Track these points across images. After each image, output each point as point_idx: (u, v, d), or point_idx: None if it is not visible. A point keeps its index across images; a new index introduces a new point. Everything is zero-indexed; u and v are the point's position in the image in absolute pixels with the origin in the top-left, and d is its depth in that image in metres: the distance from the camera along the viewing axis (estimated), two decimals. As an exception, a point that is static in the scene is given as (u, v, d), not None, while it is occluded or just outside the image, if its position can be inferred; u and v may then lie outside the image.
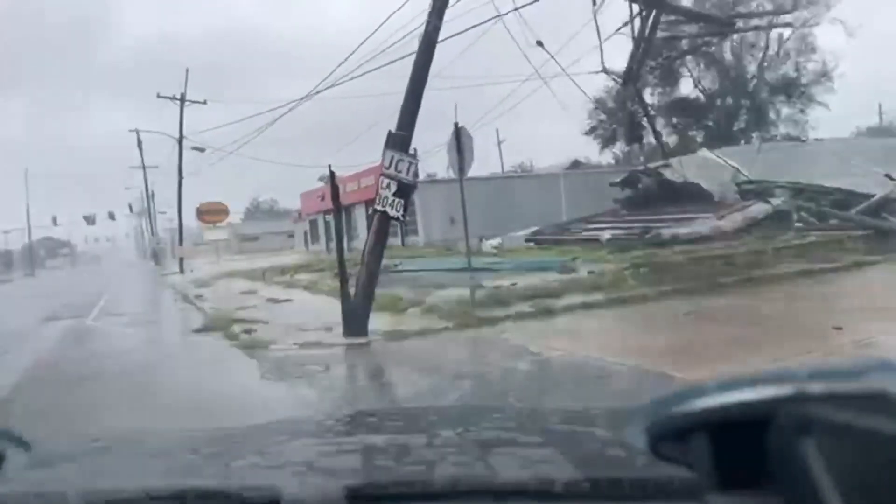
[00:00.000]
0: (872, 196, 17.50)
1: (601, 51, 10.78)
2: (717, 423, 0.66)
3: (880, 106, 36.32)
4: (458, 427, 1.29)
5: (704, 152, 20.92)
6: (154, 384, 6.70)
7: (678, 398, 0.70)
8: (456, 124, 9.23)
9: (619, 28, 10.57)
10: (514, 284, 10.31)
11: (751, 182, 18.93)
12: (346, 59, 13.94)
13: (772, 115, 28.45)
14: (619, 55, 11.78)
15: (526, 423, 1.40)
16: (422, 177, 27.78)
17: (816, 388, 0.58)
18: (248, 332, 9.06)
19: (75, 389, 6.63)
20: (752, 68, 28.61)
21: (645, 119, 18.15)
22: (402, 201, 8.55)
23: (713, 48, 28.97)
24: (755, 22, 14.52)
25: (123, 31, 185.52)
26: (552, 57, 10.92)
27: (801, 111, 27.83)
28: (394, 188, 8.53)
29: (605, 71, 11.13)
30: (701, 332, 7.26)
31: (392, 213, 8.53)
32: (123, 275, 35.75)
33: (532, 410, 2.11)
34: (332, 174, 8.79)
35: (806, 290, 9.74)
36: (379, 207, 8.52)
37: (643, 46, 10.63)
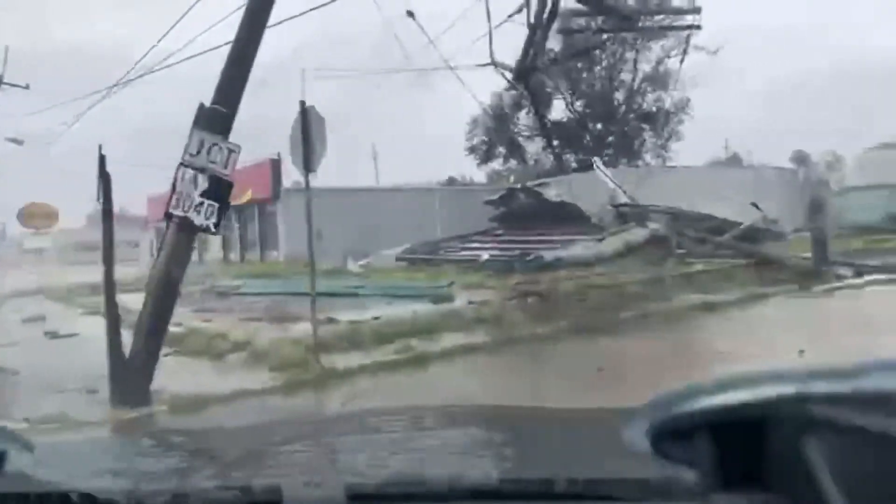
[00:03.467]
0: (741, 224, 17.09)
1: (490, 40, 8.63)
2: (717, 423, 0.64)
3: (727, 140, 38.09)
4: (458, 427, 1.27)
5: (596, 167, 19.68)
6: None
7: (678, 398, 0.68)
8: (302, 104, 6.54)
9: (512, 14, 8.49)
10: (376, 318, 7.73)
11: (628, 205, 17.82)
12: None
13: (640, 143, 28.36)
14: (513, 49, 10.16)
15: (526, 423, 1.34)
16: (287, 184, 24.84)
17: (816, 388, 0.56)
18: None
19: None
20: (619, 96, 28.41)
21: (540, 124, 16.42)
22: (216, 205, 5.72)
23: (585, 74, 28.55)
24: (657, 19, 13.36)
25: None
26: (430, 40, 8.55)
27: (667, 139, 27.89)
28: (203, 185, 5.69)
29: (494, 64, 9.04)
30: (626, 395, 5.10)
31: (199, 220, 5.66)
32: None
33: (532, 410, 1.86)
34: (101, 160, 5.66)
35: (717, 327, 8.08)
36: (177, 212, 5.62)
37: (538, 36, 8.64)
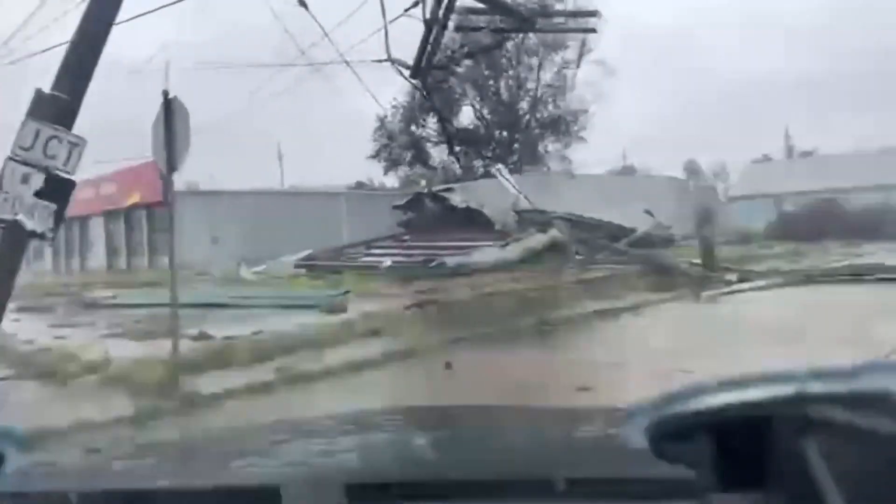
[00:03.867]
0: (636, 230, 17.62)
1: (385, 34, 8.19)
2: (717, 423, 0.64)
3: (624, 150, 39.79)
4: (457, 427, 1.26)
5: (497, 174, 19.67)
6: None
7: (678, 398, 0.67)
8: (165, 94, 5.79)
9: (409, 9, 8.09)
10: (257, 333, 7.05)
11: (530, 212, 17.94)
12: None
13: (543, 150, 28.90)
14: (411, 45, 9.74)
15: (526, 423, 1.34)
16: (181, 187, 23.24)
17: (816, 388, 0.56)
18: None
19: None
20: (524, 104, 28.86)
21: (441, 127, 16.11)
22: (53, 206, 4.90)
23: (491, 82, 28.77)
24: (557, 21, 13.40)
25: None
26: (325, 33, 7.99)
27: (566, 147, 28.59)
28: (37, 183, 4.86)
29: (390, 60, 8.59)
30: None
31: (32, 225, 4.82)
32: None
33: (532, 410, 1.85)
34: None
35: (614, 335, 8.03)
36: (4, 215, 4.75)
37: (434, 33, 8.30)
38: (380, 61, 8.67)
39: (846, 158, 30.43)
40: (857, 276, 11.58)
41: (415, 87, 8.85)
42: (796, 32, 55.16)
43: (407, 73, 9.04)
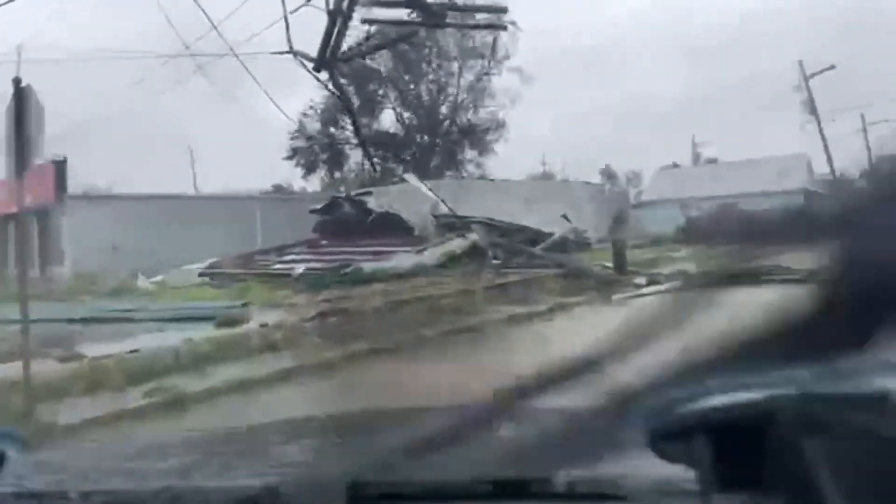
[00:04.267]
0: (553, 235, 17.78)
1: (286, 26, 7.66)
2: (717, 423, 0.64)
3: (544, 155, 40.50)
4: (458, 427, 1.09)
5: (408, 181, 19.36)
6: None
7: (678, 398, 0.67)
8: (16, 82, 5.04)
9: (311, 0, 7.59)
10: (133, 352, 6.34)
11: (448, 216, 17.75)
12: None
13: (463, 156, 28.89)
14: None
15: (526, 423, 1.21)
16: (77, 191, 21.47)
17: (816, 388, 0.56)
18: None
19: None
20: (444, 109, 28.77)
21: (353, 127, 15.57)
22: None
23: (412, 86, 28.52)
24: (467, 16, 13.19)
25: None
26: (213, 26, 7.36)
27: (480, 153, 28.71)
28: None
29: (292, 52, 8.05)
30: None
31: None
32: None
33: (532, 410, 1.44)
34: None
35: (525, 340, 7.86)
36: None
37: (339, 24, 7.84)
38: (280, 53, 8.14)
39: (746, 165, 32.20)
40: (756, 277, 12.14)
41: (319, 80, 8.40)
42: (701, 51, 58.56)
43: (311, 67, 8.53)
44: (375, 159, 22.51)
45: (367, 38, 8.40)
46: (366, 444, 1.18)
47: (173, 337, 7.12)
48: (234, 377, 5.83)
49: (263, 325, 7.70)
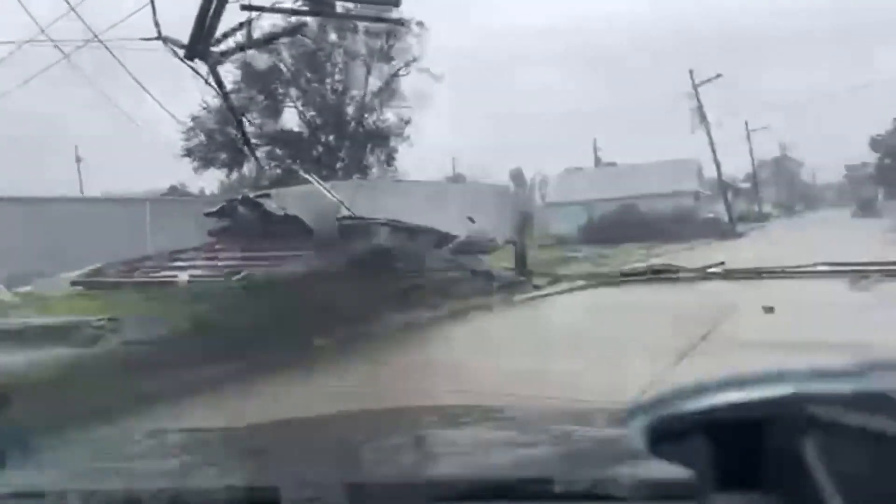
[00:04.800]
0: (458, 237, 17.59)
1: (153, 8, 6.85)
2: (717, 422, 0.64)
3: (454, 159, 40.60)
4: (458, 427, 1.25)
5: (309, 184, 18.58)
6: None
7: (678, 398, 0.67)
8: None
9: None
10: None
11: (351, 218, 17.16)
12: None
13: (370, 157, 28.27)
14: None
15: (525, 423, 1.34)
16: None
17: (816, 388, 0.57)
18: None
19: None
20: (351, 110, 28.08)
21: (236, 123, 14.59)
22: None
23: (316, 85, 27.65)
24: (357, 8, 12.63)
25: None
26: (71, 7, 6.45)
27: (389, 155, 28.25)
28: None
29: (161, 38, 7.24)
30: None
31: None
32: None
33: (531, 410, 1.91)
34: None
35: (418, 349, 7.49)
36: None
37: (213, 9, 7.11)
38: (147, 39, 7.29)
39: (643, 168, 33.64)
40: (651, 276, 12.48)
41: (196, 72, 7.63)
42: (604, 60, 61.31)
43: (184, 55, 7.72)
44: (256, 158, 21.50)
45: (246, 22, 7.72)
46: (366, 444, 1.17)
47: (16, 358, 6.15)
48: (77, 408, 5.02)
49: (127, 343, 6.84)
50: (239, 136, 14.37)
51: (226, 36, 7.40)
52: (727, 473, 0.65)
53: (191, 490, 0.86)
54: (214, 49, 7.51)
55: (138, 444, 1.30)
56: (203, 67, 7.89)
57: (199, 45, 7.42)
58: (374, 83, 27.32)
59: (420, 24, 24.98)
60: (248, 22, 7.64)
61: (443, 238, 17.13)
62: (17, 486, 0.88)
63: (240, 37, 8.23)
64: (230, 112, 12.54)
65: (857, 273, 10.78)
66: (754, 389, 0.61)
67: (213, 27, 7.38)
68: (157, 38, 7.40)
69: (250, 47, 8.85)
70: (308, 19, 11.14)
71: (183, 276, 13.03)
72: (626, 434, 0.77)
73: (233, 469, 1.05)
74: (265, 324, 8.20)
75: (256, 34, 9.12)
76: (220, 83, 8.31)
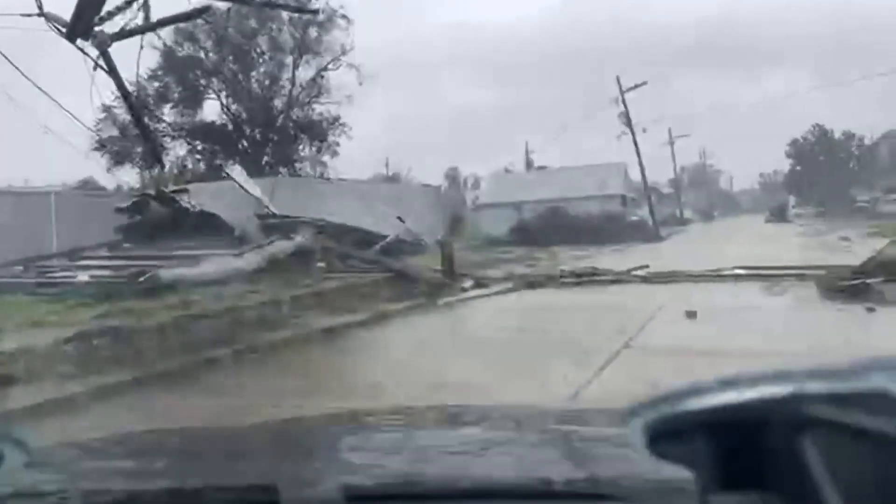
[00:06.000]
0: (386, 237, 17.10)
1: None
2: (716, 422, 0.64)
3: (388, 158, 40.05)
4: (458, 427, 1.25)
5: (233, 177, 17.59)
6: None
7: (678, 398, 0.67)
8: None
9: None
10: None
11: (273, 216, 16.34)
12: None
13: (300, 152, 27.29)
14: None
15: (525, 423, 1.32)
16: None
17: (816, 388, 0.56)
18: None
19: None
20: (278, 104, 26.99)
21: (132, 114, 13.49)
22: None
23: (241, 76, 26.44)
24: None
25: None
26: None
27: (318, 151, 27.34)
28: None
29: (42, 15, 6.39)
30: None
31: None
32: None
33: (531, 410, 1.78)
34: None
35: (330, 359, 6.96)
36: None
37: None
38: (27, 15, 6.43)
39: (572, 171, 34.17)
40: (576, 278, 12.48)
41: (82, 51, 6.79)
42: (535, 65, 62.30)
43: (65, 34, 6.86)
44: (158, 157, 20.32)
45: (145, 4, 6.93)
46: (366, 444, 1.15)
47: None
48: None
49: (9, 352, 6.00)
50: (137, 128, 13.23)
51: (111, 14, 6.62)
52: (727, 473, 0.64)
53: (190, 490, 0.86)
54: (102, 29, 6.73)
55: (138, 444, 1.28)
56: (93, 50, 7.04)
57: (81, 23, 6.59)
58: (303, 76, 26.37)
59: (345, 17, 24.28)
60: (145, 1, 6.89)
61: (370, 238, 16.60)
62: (17, 487, 0.87)
63: (139, 18, 7.41)
64: (127, 104, 11.48)
65: (770, 277, 11.22)
66: (754, 389, 0.60)
67: (97, 3, 6.57)
68: (38, 15, 6.54)
69: (148, 29, 8.01)
70: (218, 4, 10.35)
71: (83, 277, 11.93)
72: (626, 434, 0.74)
73: (232, 469, 1.03)
74: (162, 330, 7.46)
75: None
76: (111, 68, 7.45)
